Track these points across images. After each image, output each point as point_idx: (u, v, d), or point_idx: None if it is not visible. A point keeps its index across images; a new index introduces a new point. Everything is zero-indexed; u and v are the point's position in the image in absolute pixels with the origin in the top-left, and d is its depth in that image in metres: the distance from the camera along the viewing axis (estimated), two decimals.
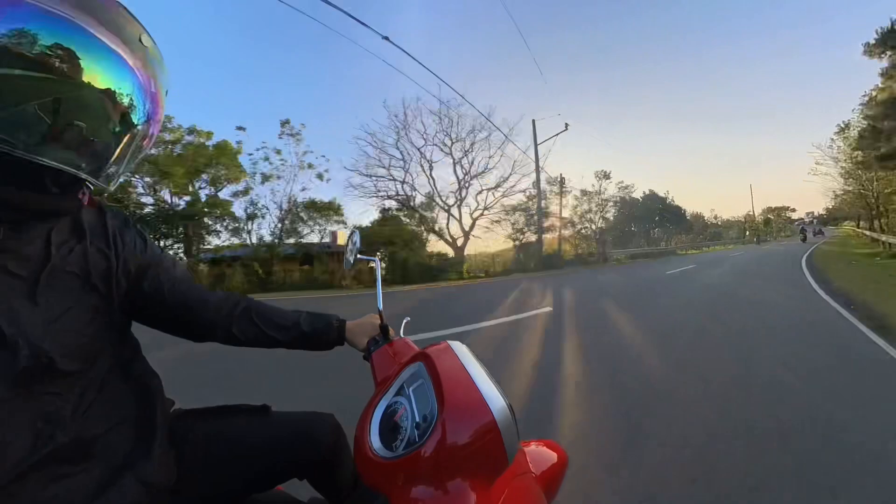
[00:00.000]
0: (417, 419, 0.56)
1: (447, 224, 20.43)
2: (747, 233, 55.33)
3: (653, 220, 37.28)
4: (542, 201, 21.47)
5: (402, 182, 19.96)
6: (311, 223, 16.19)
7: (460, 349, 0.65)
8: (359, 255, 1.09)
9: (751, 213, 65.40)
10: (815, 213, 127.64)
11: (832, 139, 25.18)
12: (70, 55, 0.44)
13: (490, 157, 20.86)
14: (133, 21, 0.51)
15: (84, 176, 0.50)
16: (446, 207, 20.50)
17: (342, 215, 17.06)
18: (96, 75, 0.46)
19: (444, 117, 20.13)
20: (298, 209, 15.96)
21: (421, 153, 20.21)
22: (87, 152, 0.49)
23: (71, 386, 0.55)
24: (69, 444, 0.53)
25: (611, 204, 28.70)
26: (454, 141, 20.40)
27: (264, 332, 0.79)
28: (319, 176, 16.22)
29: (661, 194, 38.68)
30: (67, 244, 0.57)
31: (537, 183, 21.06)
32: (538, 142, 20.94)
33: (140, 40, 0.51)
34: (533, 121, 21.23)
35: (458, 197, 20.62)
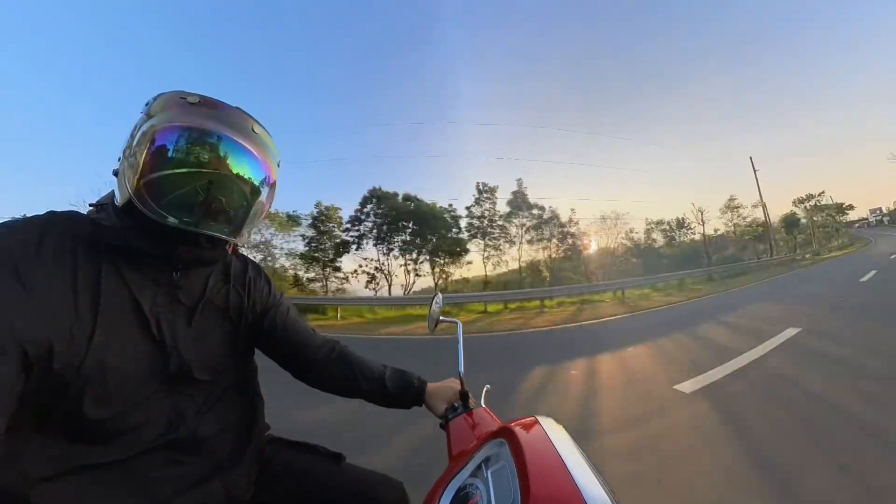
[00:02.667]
0: None
1: None
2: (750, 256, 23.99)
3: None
4: None
5: None
6: None
7: (552, 427, 0.56)
8: (441, 318, 1.07)
9: (736, 205, 26.07)
10: (884, 210, 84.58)
11: None
12: (215, 152, 0.59)
13: None
14: (247, 117, 0.65)
15: (226, 237, 0.64)
16: None
17: None
18: (230, 163, 0.61)
19: None
20: None
21: None
22: (227, 218, 0.63)
23: (199, 391, 0.67)
24: (188, 437, 0.64)
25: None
26: None
27: (349, 381, 0.86)
28: None
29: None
30: (217, 285, 0.74)
31: None
32: None
33: (253, 130, 0.64)
34: None
35: None
